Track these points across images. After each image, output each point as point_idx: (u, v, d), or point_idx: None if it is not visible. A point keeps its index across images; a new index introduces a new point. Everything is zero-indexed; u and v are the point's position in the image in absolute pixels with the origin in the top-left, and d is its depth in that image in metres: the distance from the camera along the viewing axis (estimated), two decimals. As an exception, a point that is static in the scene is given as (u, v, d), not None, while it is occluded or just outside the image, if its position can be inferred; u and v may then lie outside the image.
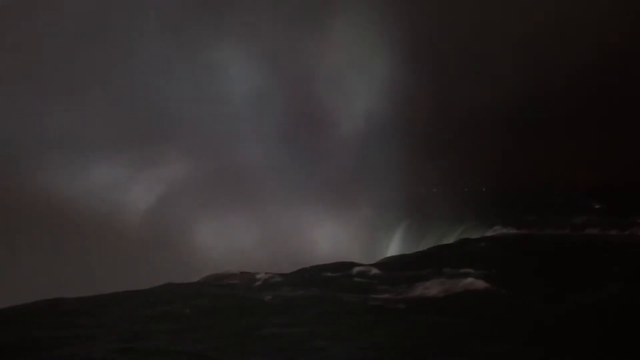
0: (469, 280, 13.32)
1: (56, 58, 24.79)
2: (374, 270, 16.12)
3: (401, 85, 28.77)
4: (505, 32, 28.90)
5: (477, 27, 29.45)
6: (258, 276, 14.57)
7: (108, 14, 25.60)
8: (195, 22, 27.12)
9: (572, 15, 28.63)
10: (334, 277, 15.44)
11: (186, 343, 9.30)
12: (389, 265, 17.58)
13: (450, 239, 23.53)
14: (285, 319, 10.81)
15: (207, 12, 27.10)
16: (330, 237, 28.57)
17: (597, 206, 25.05)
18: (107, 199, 25.81)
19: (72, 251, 24.03)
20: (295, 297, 12.84)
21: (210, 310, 11.55)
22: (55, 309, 11.87)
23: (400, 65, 28.83)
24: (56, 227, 24.36)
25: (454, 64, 30.36)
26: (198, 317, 10.96)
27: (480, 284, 13.06)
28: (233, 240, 26.66)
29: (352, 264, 17.11)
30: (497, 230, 23.30)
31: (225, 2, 27.61)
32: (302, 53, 29.35)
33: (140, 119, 26.38)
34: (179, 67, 26.97)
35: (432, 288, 13.19)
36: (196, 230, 27.29)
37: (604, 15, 28.34)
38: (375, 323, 10.59)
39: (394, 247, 27.71)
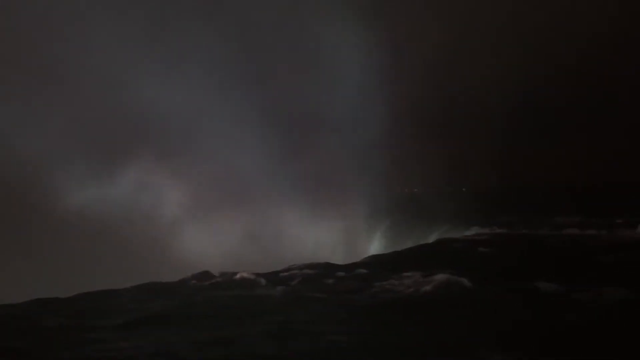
0: (446, 278, 13.47)
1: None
2: (355, 270, 16.27)
3: (386, 89, 29.02)
4: (493, 38, 29.25)
5: (464, 29, 29.77)
6: (238, 275, 14.64)
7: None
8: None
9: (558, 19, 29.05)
10: (314, 276, 15.53)
11: (166, 344, 9.33)
12: (370, 264, 17.71)
13: (430, 239, 23.77)
14: (266, 318, 10.88)
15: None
16: (314, 237, 28.70)
17: (576, 206, 25.38)
18: (91, 199, 25.75)
19: (54, 251, 23.99)
20: (275, 296, 12.93)
21: (189, 310, 11.60)
22: (35, 309, 11.88)
23: (385, 69, 29.08)
24: (43, 226, 24.36)
25: (439, 67, 30.65)
26: (177, 316, 11.01)
27: (457, 282, 13.23)
28: (218, 240, 26.72)
29: (333, 264, 17.26)
30: (476, 230, 23.54)
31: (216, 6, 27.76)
32: (289, 51, 29.48)
33: (126, 122, 26.40)
34: (165, 71, 26.94)
35: (410, 286, 13.35)
36: (181, 230, 27.30)
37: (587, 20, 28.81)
38: (353, 321, 10.69)
39: (375, 247, 27.89)
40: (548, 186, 30.57)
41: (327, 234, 29.11)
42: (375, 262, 18.49)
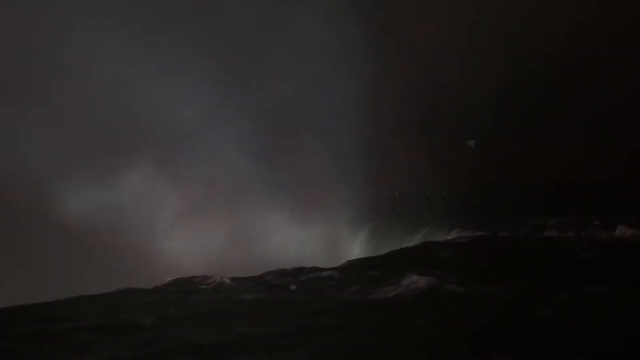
0: (427, 281, 13.57)
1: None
2: (335, 274, 16.36)
3: (365, 89, 29.11)
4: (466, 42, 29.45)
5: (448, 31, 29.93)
6: (215, 280, 14.67)
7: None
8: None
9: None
10: (295, 280, 15.59)
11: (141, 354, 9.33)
12: (351, 268, 17.81)
13: (412, 242, 23.86)
14: (241, 324, 10.91)
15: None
16: (297, 241, 28.74)
17: (553, 207, 25.56)
18: (74, 203, 25.67)
19: (42, 255, 23.96)
20: (253, 301, 12.97)
21: (167, 317, 11.58)
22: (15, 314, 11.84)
23: (367, 69, 29.17)
24: (31, 230, 24.34)
25: (418, 66, 30.75)
26: (152, 323, 10.98)
27: (438, 285, 13.34)
28: (201, 244, 26.72)
29: (314, 268, 17.34)
30: (458, 233, 23.64)
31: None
32: (274, 53, 29.53)
33: (109, 125, 26.40)
34: (151, 77, 26.95)
35: (390, 290, 13.44)
36: (164, 234, 27.27)
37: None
38: (332, 327, 10.76)
39: (357, 250, 27.95)
40: (526, 186, 30.77)
41: (310, 237, 29.17)
42: (356, 265, 18.59)
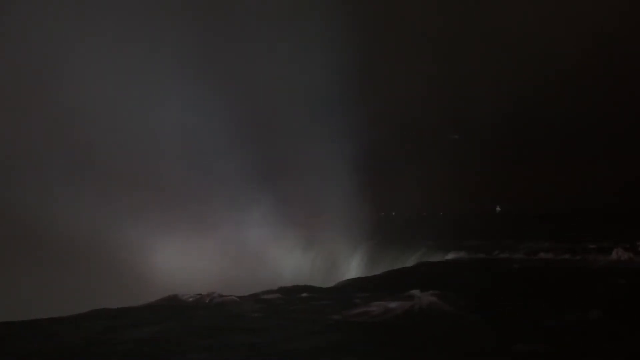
0: (424, 301, 13.53)
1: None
2: (330, 293, 16.30)
3: (364, 109, 29.33)
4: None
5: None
6: (212, 298, 14.59)
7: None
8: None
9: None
10: (290, 299, 15.53)
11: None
12: (345, 288, 17.74)
13: (408, 263, 23.90)
14: (233, 342, 10.85)
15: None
16: (293, 260, 28.72)
17: (548, 232, 25.71)
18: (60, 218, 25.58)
19: (25, 273, 23.76)
20: (249, 318, 12.91)
21: (157, 336, 11.48)
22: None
23: (359, 92, 29.43)
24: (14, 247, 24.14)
25: (420, 88, 31.01)
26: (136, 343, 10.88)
27: (436, 305, 13.29)
28: (196, 262, 26.65)
29: (308, 286, 17.29)
30: (453, 254, 23.69)
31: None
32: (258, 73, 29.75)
33: (102, 145, 26.46)
34: (147, 92, 27.07)
35: (386, 310, 13.37)
36: (158, 252, 27.17)
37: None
38: (328, 346, 10.69)
39: (353, 270, 27.93)
40: (520, 212, 30.93)
41: (306, 257, 29.14)
42: (352, 285, 18.53)
